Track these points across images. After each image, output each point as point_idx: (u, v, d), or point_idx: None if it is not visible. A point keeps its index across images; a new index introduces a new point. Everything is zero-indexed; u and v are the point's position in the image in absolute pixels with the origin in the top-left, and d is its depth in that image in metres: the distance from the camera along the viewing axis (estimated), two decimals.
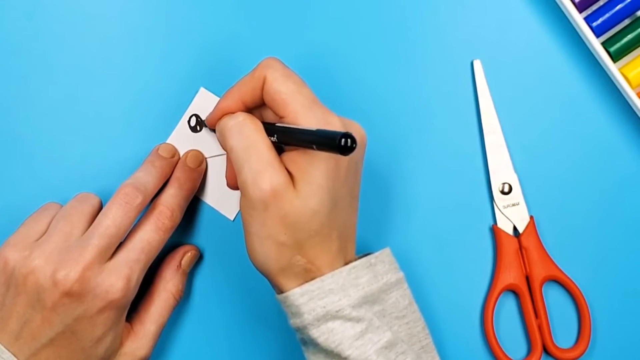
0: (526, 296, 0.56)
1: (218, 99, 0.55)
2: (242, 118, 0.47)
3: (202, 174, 0.54)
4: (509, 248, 0.56)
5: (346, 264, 0.47)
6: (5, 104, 0.55)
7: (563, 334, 0.56)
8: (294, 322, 0.46)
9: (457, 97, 0.57)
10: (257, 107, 0.49)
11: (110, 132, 0.55)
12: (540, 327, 0.55)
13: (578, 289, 0.56)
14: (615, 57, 0.55)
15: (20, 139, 0.55)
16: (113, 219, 0.48)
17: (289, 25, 0.56)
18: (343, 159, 0.45)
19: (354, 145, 0.40)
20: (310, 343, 0.47)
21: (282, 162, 0.45)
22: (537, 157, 0.57)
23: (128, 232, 0.49)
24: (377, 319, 0.46)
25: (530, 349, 0.56)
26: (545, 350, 0.55)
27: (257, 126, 0.46)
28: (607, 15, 0.54)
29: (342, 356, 0.45)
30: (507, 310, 0.57)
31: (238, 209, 0.55)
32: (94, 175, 0.55)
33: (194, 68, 0.56)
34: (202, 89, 0.56)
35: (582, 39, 0.56)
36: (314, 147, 0.42)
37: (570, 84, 0.57)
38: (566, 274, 0.56)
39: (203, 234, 0.56)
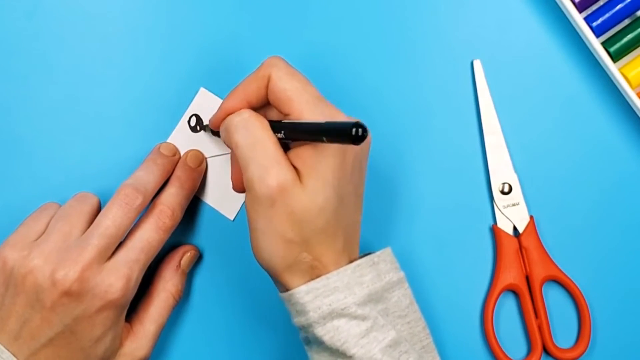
0: (526, 296, 0.56)
1: (218, 99, 0.55)
2: (248, 115, 0.46)
3: (202, 173, 0.55)
4: (509, 248, 0.56)
5: (350, 262, 0.47)
6: (5, 104, 0.55)
7: (563, 334, 0.56)
8: (299, 320, 0.46)
9: (457, 97, 0.57)
10: (261, 107, 0.48)
11: (110, 132, 0.55)
12: (540, 327, 0.55)
13: (578, 289, 0.56)
14: (615, 57, 0.55)
15: (20, 139, 0.55)
16: (113, 219, 0.48)
17: (289, 25, 0.56)
18: (349, 156, 0.45)
19: (366, 134, 0.40)
20: (315, 342, 0.47)
21: (288, 158, 0.45)
22: (537, 157, 0.57)
23: (128, 232, 0.49)
24: (382, 318, 0.46)
25: (530, 349, 0.56)
26: (545, 350, 0.55)
27: (263, 123, 0.46)
28: (607, 15, 0.54)
29: (347, 355, 0.45)
30: (507, 310, 0.57)
31: (238, 209, 0.55)
32: (93, 175, 0.55)
33: (194, 68, 0.56)
34: (202, 89, 0.56)
35: (582, 39, 0.56)
36: (324, 139, 0.42)
37: (570, 84, 0.57)
38: (566, 274, 0.56)
39: (203, 234, 0.56)
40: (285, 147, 0.46)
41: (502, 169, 0.56)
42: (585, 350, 0.55)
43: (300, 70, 0.48)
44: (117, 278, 0.47)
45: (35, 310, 0.46)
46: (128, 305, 0.49)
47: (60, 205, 0.51)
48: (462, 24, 0.57)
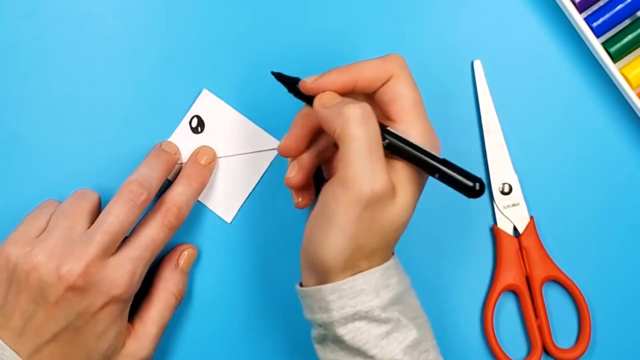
0: (526, 296, 0.56)
1: (220, 101, 0.55)
2: (371, 110, 0.44)
3: (212, 171, 0.54)
4: (509, 248, 0.56)
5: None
6: (5, 103, 0.55)
7: (563, 334, 0.56)
8: (320, 317, 0.46)
9: (457, 97, 0.57)
10: (352, 93, 0.47)
11: (110, 132, 0.55)
12: (540, 327, 0.55)
13: (578, 289, 0.56)
14: (615, 58, 0.55)
15: (20, 138, 0.55)
16: (117, 216, 0.48)
17: (290, 27, 0.56)
18: (425, 181, 0.46)
19: (483, 191, 0.41)
20: (333, 340, 0.46)
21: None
22: (537, 157, 0.57)
23: (133, 227, 0.49)
24: (404, 318, 0.46)
25: (530, 349, 0.56)
26: (545, 350, 0.56)
27: (378, 125, 0.45)
28: (607, 15, 0.54)
29: (368, 355, 0.45)
30: (507, 310, 0.57)
31: (235, 211, 0.55)
32: (93, 175, 0.55)
33: (196, 69, 0.56)
34: (204, 91, 0.56)
35: (582, 39, 0.56)
36: (437, 176, 0.43)
37: (571, 84, 0.57)
38: (566, 274, 0.56)
39: (201, 236, 0.56)
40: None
41: (502, 169, 0.56)
42: (585, 350, 0.55)
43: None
44: (121, 274, 0.47)
45: (40, 306, 0.46)
46: (131, 301, 0.49)
47: (60, 203, 0.51)
48: (462, 24, 0.57)
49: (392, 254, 0.48)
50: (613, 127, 0.57)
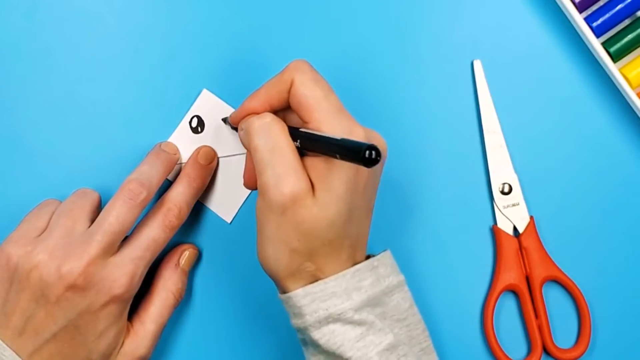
0: (526, 296, 0.56)
1: (220, 101, 0.55)
2: (270, 119, 0.46)
3: (212, 172, 0.55)
4: (509, 248, 0.56)
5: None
6: (5, 103, 0.55)
7: (563, 334, 0.56)
8: (296, 322, 0.47)
9: (457, 97, 0.57)
10: (282, 109, 0.48)
11: (110, 132, 0.55)
12: (540, 327, 0.55)
13: (578, 289, 0.56)
14: (615, 58, 0.55)
15: (20, 138, 0.55)
16: (117, 215, 0.48)
17: (291, 27, 0.56)
18: (363, 171, 0.45)
19: (378, 158, 0.39)
20: (311, 344, 0.47)
21: (304, 168, 0.45)
22: (537, 157, 0.57)
23: (133, 226, 0.49)
24: (379, 322, 0.46)
25: (530, 349, 0.56)
26: (545, 350, 0.55)
27: (284, 129, 0.46)
28: (607, 15, 0.54)
29: (343, 357, 0.45)
30: (507, 310, 0.57)
31: (235, 211, 0.55)
32: (93, 175, 0.55)
33: (196, 69, 0.56)
34: (204, 91, 0.56)
35: (582, 39, 0.56)
36: (337, 156, 0.42)
37: (571, 84, 0.57)
38: (566, 274, 0.56)
39: (201, 236, 0.56)
40: (301, 154, 0.46)
41: (502, 169, 0.56)
42: (585, 350, 0.55)
43: None
44: (122, 274, 0.47)
45: (40, 305, 0.46)
46: (131, 301, 0.49)
47: (60, 202, 0.51)
48: (462, 24, 0.57)
49: (364, 255, 0.48)
50: (613, 127, 0.57)
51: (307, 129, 0.45)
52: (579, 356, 0.55)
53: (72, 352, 0.47)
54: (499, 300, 0.56)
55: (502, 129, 0.56)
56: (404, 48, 0.57)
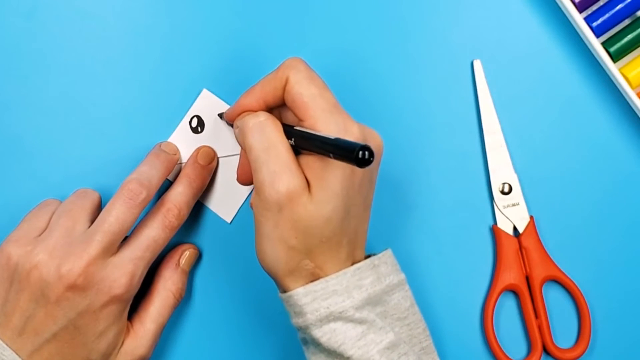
0: (526, 296, 0.56)
1: (220, 101, 0.55)
2: (264, 118, 0.46)
3: (212, 172, 0.55)
4: (509, 248, 0.56)
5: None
6: (5, 103, 0.55)
7: (563, 334, 0.56)
8: (296, 321, 0.47)
9: (457, 97, 0.57)
10: (277, 107, 0.48)
11: (110, 132, 0.56)
12: (540, 327, 0.55)
13: (578, 289, 0.56)
14: (615, 57, 0.55)
15: (20, 138, 0.55)
16: (116, 215, 0.48)
17: (291, 27, 0.56)
18: (359, 169, 0.45)
19: (371, 158, 0.39)
20: (312, 343, 0.47)
21: (299, 165, 0.45)
22: (537, 157, 0.57)
23: (133, 226, 0.49)
24: (380, 320, 0.46)
25: (530, 349, 0.56)
26: (545, 350, 0.55)
27: (278, 127, 0.46)
28: (607, 15, 0.54)
29: (344, 356, 0.45)
30: (507, 310, 0.57)
31: (235, 211, 0.55)
32: (93, 175, 0.55)
33: (196, 69, 0.56)
34: (204, 91, 0.56)
35: (582, 39, 0.56)
36: (331, 155, 0.42)
37: (570, 84, 0.57)
38: (566, 274, 0.56)
39: (201, 235, 0.56)
40: (297, 152, 0.46)
41: (502, 169, 0.56)
42: (585, 350, 0.55)
43: None
44: (122, 274, 0.47)
45: (40, 305, 0.46)
46: (131, 301, 0.49)
47: (61, 202, 0.51)
48: (462, 24, 0.57)
49: (364, 254, 0.48)
50: (613, 127, 0.57)
51: (302, 127, 0.45)
52: (579, 356, 0.55)
53: (72, 352, 0.47)
54: (499, 300, 0.56)
55: (502, 129, 0.56)
56: (404, 48, 0.57)
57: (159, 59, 0.56)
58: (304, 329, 0.46)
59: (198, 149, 0.54)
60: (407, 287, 0.49)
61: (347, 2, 0.57)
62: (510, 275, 0.55)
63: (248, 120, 0.46)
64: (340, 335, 0.45)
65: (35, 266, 0.46)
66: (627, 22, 0.55)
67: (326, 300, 0.45)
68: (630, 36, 0.54)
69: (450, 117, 0.57)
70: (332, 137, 0.42)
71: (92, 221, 0.49)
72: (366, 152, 0.39)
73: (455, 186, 0.56)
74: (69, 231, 0.48)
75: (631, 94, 0.54)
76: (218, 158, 0.55)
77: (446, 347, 0.55)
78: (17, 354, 0.46)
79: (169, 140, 0.55)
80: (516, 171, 0.56)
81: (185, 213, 0.52)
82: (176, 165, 0.54)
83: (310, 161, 0.45)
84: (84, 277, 0.46)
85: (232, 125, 0.51)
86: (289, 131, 0.46)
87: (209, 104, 0.55)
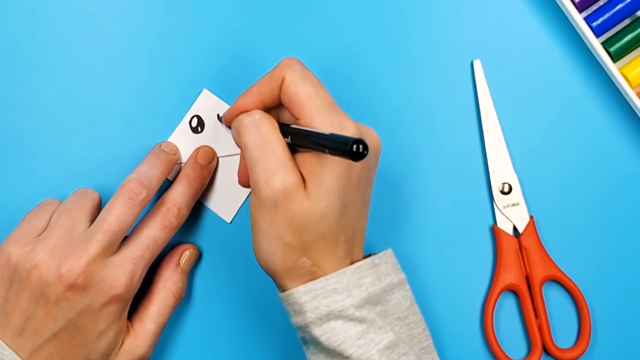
0: (526, 296, 0.56)
1: (220, 101, 0.55)
2: (259, 116, 0.47)
3: (212, 171, 0.55)
4: (509, 248, 0.56)
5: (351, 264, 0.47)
6: (5, 103, 0.55)
7: (563, 334, 0.56)
8: (296, 320, 0.47)
9: (457, 97, 0.57)
10: (274, 107, 0.49)
11: (110, 132, 0.56)
12: (540, 327, 0.55)
13: (578, 289, 0.56)
14: (615, 57, 0.55)
15: (20, 138, 0.55)
16: (116, 215, 0.48)
17: (291, 27, 0.56)
18: (355, 165, 0.45)
19: (366, 152, 0.39)
20: (312, 342, 0.47)
21: (295, 163, 0.45)
22: (537, 157, 0.57)
23: (133, 226, 0.49)
24: (380, 320, 0.46)
25: (530, 349, 0.56)
26: (545, 350, 0.55)
27: (273, 125, 0.46)
28: (607, 15, 0.54)
29: (344, 355, 0.45)
30: (507, 310, 0.57)
31: (235, 211, 0.55)
32: (93, 175, 0.55)
33: (196, 69, 0.56)
34: (204, 91, 0.56)
35: (582, 39, 0.56)
36: (326, 151, 0.42)
37: (570, 84, 0.57)
38: (566, 274, 0.56)
39: (201, 235, 0.56)
40: (293, 150, 0.46)
41: (502, 169, 0.56)
42: (585, 350, 0.55)
43: None
44: (121, 274, 0.47)
45: (40, 305, 0.46)
46: (131, 301, 0.49)
47: (61, 202, 0.51)
48: (462, 24, 0.57)
49: (362, 253, 0.48)
50: (613, 127, 0.57)
51: (298, 125, 0.45)
52: (579, 356, 0.55)
53: (72, 352, 0.47)
54: (499, 300, 0.56)
55: (502, 129, 0.56)
56: (403, 47, 0.57)
57: (159, 59, 0.56)
58: (303, 328, 0.46)
59: (198, 149, 0.54)
60: (407, 286, 0.49)
61: (347, 2, 0.57)
62: (510, 275, 0.55)
63: (243, 119, 0.47)
64: (340, 334, 0.45)
65: (35, 266, 0.46)
66: (627, 22, 0.55)
67: (326, 299, 0.45)
68: (630, 36, 0.54)
69: (450, 117, 0.57)
70: (327, 133, 0.43)
71: (92, 221, 0.49)
72: (360, 146, 0.39)
73: (455, 186, 0.56)
74: (69, 231, 0.48)
75: (631, 94, 0.54)
76: (218, 158, 0.55)
77: (446, 347, 0.55)
78: (17, 353, 0.46)
79: (169, 140, 0.55)
80: (516, 171, 0.56)
81: (185, 213, 0.52)
82: (176, 165, 0.54)
83: (306, 158, 0.45)
84: (83, 276, 0.46)
85: (230, 127, 0.51)
86: (284, 129, 0.46)
87: (209, 104, 0.55)
